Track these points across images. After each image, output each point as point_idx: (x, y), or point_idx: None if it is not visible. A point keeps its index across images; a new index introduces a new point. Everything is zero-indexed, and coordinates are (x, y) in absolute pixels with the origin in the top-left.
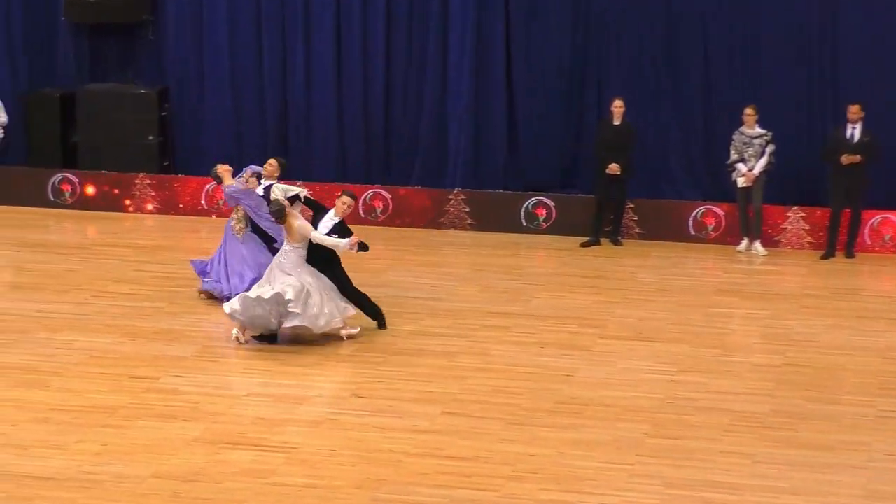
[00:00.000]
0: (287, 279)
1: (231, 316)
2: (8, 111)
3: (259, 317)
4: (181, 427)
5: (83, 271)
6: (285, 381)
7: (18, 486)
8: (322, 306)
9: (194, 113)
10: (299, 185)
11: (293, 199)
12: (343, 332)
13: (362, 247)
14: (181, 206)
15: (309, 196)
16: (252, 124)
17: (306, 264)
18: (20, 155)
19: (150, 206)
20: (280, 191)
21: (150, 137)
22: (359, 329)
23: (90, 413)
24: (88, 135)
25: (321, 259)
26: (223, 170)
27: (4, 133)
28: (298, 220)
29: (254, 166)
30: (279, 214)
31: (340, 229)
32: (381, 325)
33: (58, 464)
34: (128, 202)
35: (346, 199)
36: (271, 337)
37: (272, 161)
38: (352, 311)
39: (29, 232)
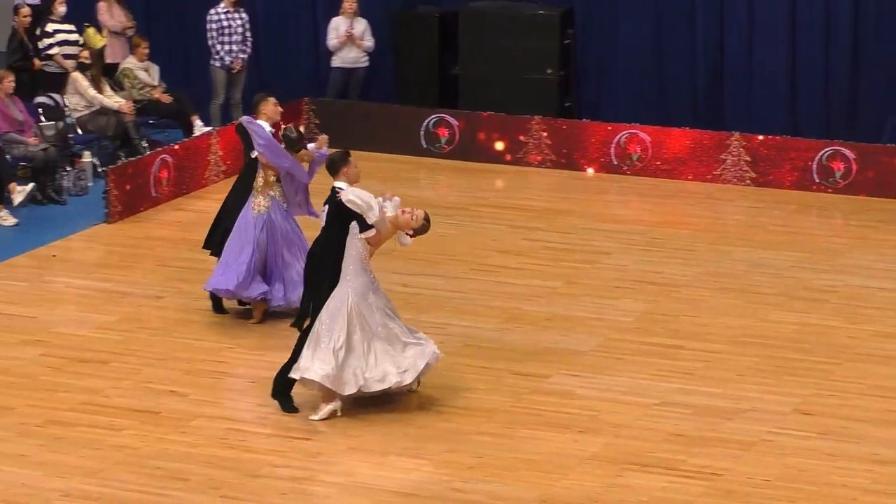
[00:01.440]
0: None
1: (322, 382)
2: (376, 34)
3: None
4: (575, 440)
5: (460, 238)
6: (710, 387)
7: (375, 501)
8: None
9: (605, 42)
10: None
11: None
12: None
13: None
14: (584, 159)
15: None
16: (676, 60)
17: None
18: (388, 90)
19: (544, 158)
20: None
21: (549, 71)
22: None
23: (462, 416)
24: (472, 66)
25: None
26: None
27: (370, 61)
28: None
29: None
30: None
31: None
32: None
33: (421, 477)
34: (518, 152)
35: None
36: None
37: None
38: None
39: (395, 186)
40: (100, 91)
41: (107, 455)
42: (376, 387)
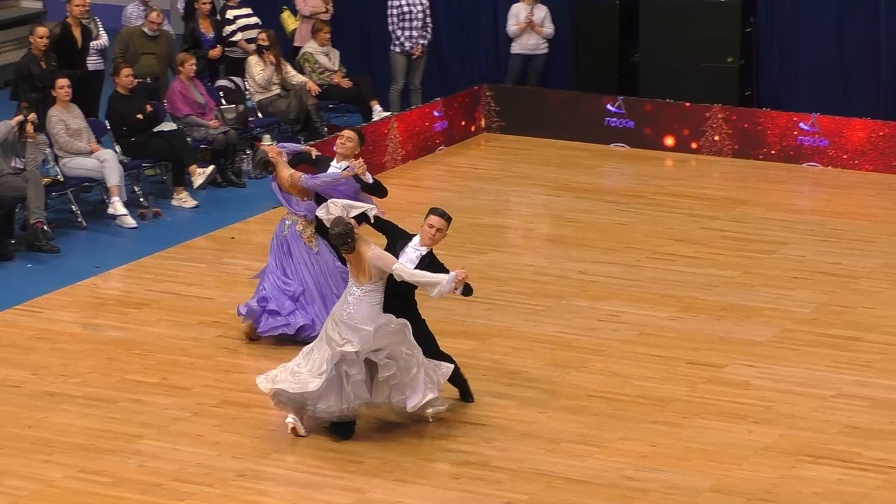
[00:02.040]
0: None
1: (276, 397)
2: (556, 20)
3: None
4: (749, 431)
5: (636, 226)
6: (888, 380)
7: (547, 487)
8: (417, 374)
9: (786, 30)
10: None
11: (360, 219)
12: (429, 412)
13: (467, 289)
14: (764, 148)
15: (381, 216)
16: (858, 48)
17: (385, 314)
18: (567, 77)
19: (724, 147)
20: (339, 208)
21: (730, 59)
22: (447, 405)
23: (636, 404)
24: (652, 54)
25: (394, 304)
26: (272, 152)
27: (549, 48)
28: (371, 249)
29: (290, 144)
30: (345, 239)
31: (430, 263)
32: (466, 396)
33: (594, 464)
34: (696, 141)
35: (434, 219)
36: (346, 427)
37: (349, 134)
38: (447, 371)
39: (572, 173)
40: (280, 73)
41: (281, 437)
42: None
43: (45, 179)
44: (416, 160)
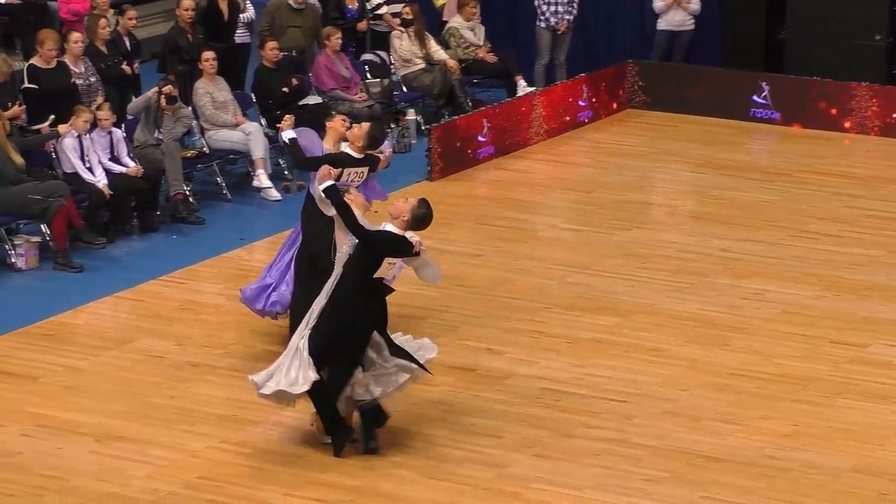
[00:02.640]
0: None
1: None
2: None
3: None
4: (893, 412)
5: (780, 204)
6: None
7: (687, 465)
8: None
9: None
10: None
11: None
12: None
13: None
14: None
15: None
16: None
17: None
18: (713, 53)
19: (871, 125)
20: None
21: (878, 37)
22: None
23: (779, 383)
24: (799, 31)
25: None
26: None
27: (696, 24)
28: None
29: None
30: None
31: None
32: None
33: (735, 442)
34: (843, 119)
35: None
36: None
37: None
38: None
39: (717, 150)
40: (423, 48)
41: (422, 411)
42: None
43: (191, 151)
44: (559, 136)
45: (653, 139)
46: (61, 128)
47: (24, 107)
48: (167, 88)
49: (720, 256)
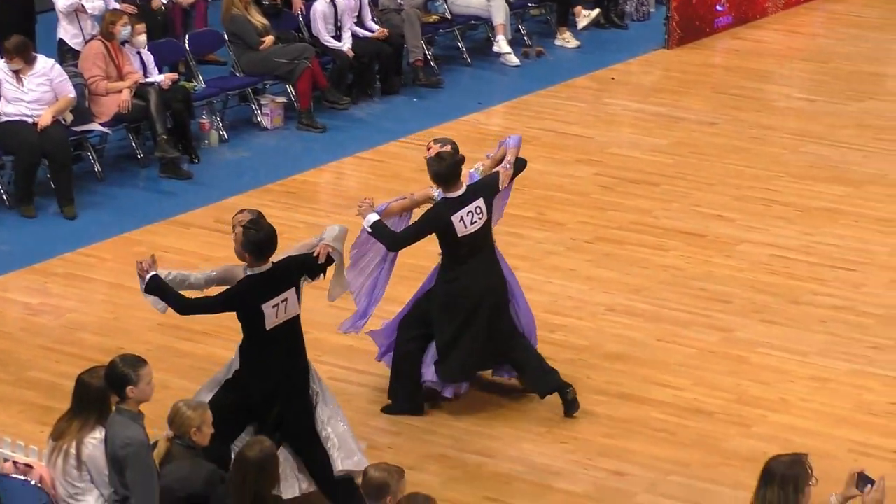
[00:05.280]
0: None
1: None
2: None
3: None
4: None
5: None
6: None
7: None
8: None
9: None
10: None
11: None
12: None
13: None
14: None
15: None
16: None
17: None
18: None
19: None
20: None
21: None
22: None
23: None
24: None
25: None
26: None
27: None
28: None
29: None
30: None
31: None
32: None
33: None
34: None
35: None
36: None
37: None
38: None
39: None
40: None
41: (652, 274)
42: None
43: (433, 17)
44: (797, 7)
45: (890, 11)
46: None
47: None
48: None
49: None
